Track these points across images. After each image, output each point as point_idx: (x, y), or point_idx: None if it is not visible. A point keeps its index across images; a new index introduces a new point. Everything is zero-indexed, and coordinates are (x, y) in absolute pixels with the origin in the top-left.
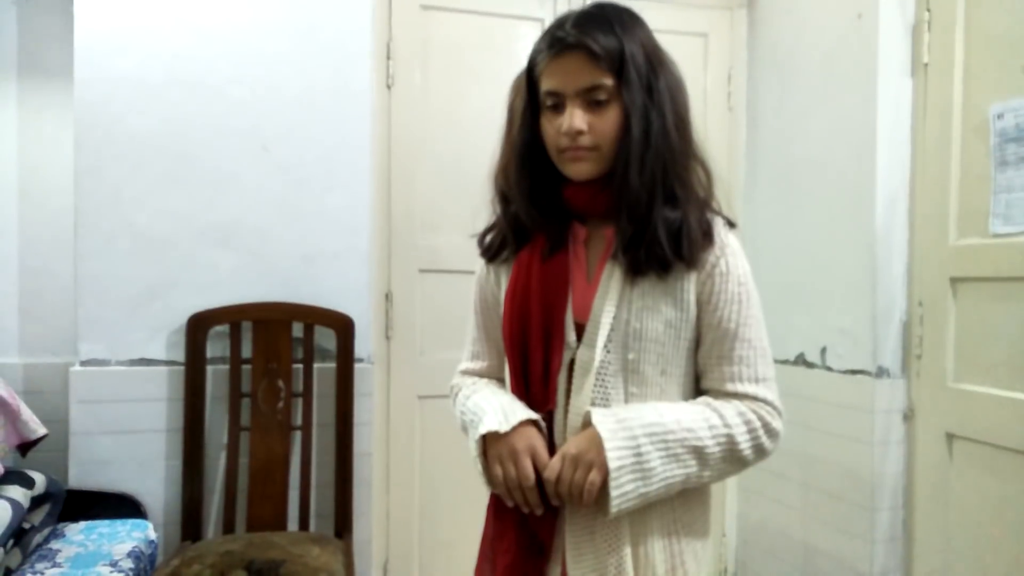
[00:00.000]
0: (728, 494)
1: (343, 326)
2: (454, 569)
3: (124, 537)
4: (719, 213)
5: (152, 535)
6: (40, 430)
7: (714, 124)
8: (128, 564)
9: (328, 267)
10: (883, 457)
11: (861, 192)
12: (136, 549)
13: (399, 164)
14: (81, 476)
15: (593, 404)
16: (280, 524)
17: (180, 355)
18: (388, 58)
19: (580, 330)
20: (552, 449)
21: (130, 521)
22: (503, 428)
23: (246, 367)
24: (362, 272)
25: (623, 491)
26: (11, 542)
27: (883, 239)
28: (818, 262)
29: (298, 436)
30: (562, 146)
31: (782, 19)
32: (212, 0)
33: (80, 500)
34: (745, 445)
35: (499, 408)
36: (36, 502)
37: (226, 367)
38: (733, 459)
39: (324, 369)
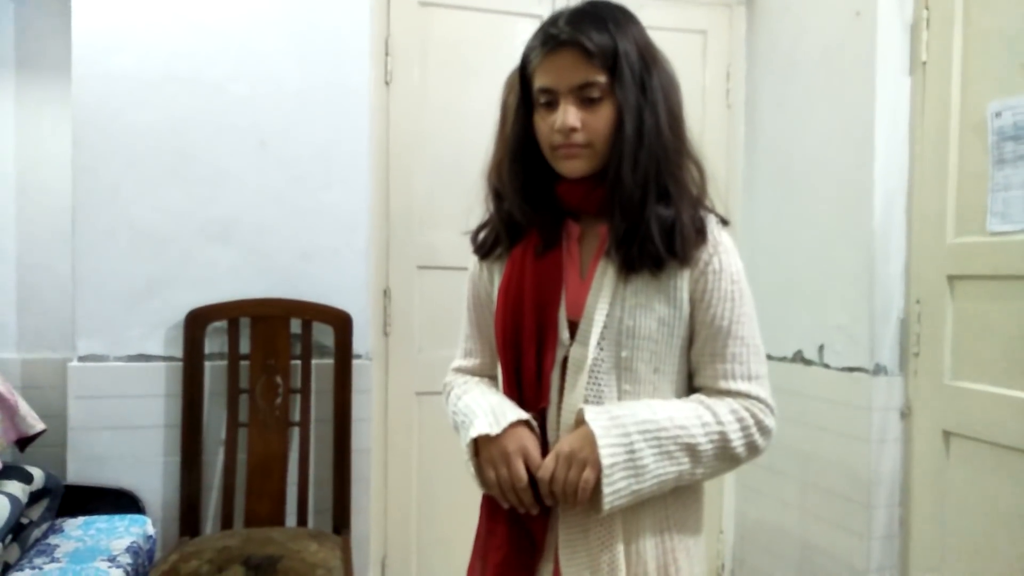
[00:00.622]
0: (725, 491)
1: (341, 322)
2: (452, 565)
3: (122, 532)
4: (712, 211)
5: (150, 530)
6: (38, 425)
7: (713, 122)
8: (126, 559)
9: (326, 263)
10: (880, 454)
11: (859, 190)
12: (134, 544)
13: (397, 161)
14: (79, 471)
15: (586, 402)
16: (278, 520)
17: (178, 351)
18: (386, 54)
19: (573, 328)
20: (545, 447)
21: (128, 516)
22: (494, 431)
23: (244, 363)
24: (360, 269)
25: (616, 488)
26: (9, 537)
27: (881, 237)
28: (816, 259)
29: (296, 432)
30: (555, 143)
31: (781, 17)
32: None
33: (78, 495)
34: (738, 443)
35: (489, 410)
36: (34, 497)
37: (224, 363)
38: (726, 456)
39: (322, 365)
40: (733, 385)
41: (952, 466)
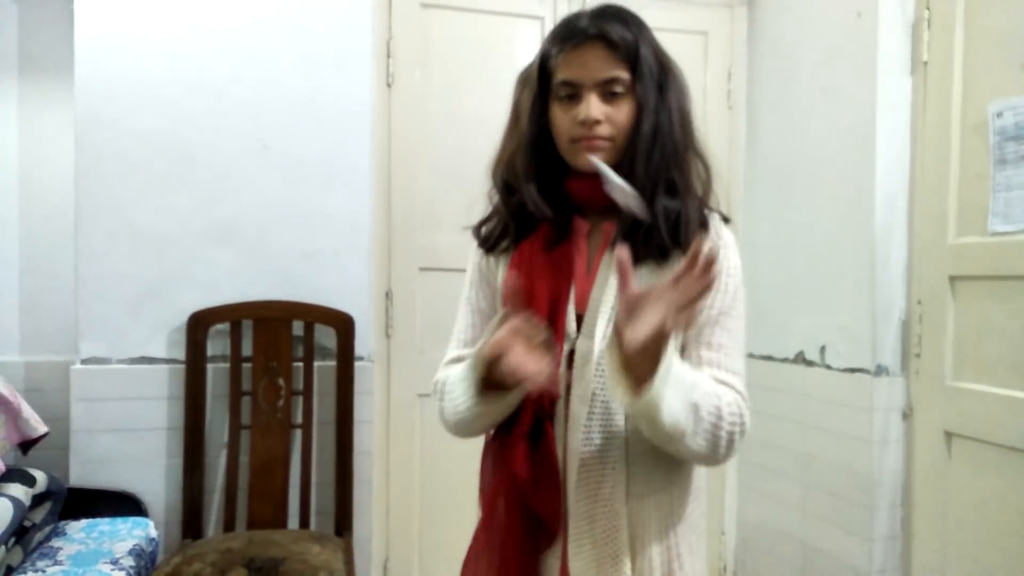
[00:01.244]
0: (727, 492)
1: (343, 324)
2: (454, 567)
3: (125, 535)
4: (715, 209)
5: (153, 533)
6: (41, 428)
7: (714, 122)
8: (129, 562)
9: (328, 265)
10: (882, 455)
11: (860, 190)
12: (137, 547)
13: (399, 162)
14: (82, 474)
15: (593, 394)
16: (280, 522)
17: (181, 353)
18: (388, 57)
19: (579, 321)
20: (553, 443)
21: (131, 519)
22: (481, 353)
23: (246, 365)
24: (362, 270)
25: (662, 386)
26: (12, 540)
27: (882, 237)
28: (817, 260)
29: (298, 434)
30: (576, 135)
31: (782, 17)
32: None
33: (81, 498)
34: (726, 430)
35: (466, 362)
36: (37, 500)
37: (227, 365)
38: (713, 438)
39: (324, 367)
40: (718, 375)
41: (954, 467)
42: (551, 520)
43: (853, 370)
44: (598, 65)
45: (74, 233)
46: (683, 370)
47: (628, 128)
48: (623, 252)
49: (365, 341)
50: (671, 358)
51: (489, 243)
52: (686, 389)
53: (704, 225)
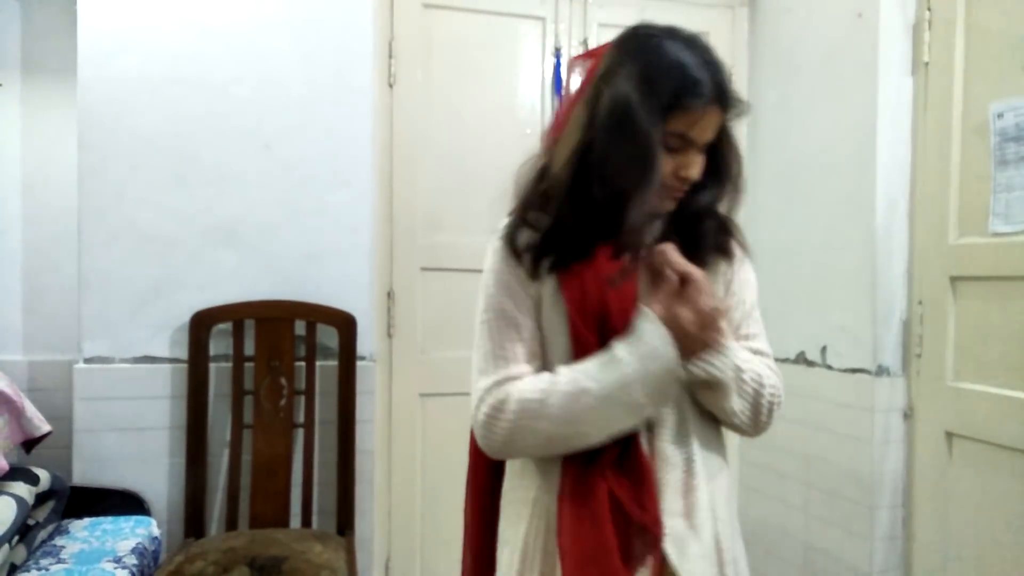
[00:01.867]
0: None
1: (345, 324)
2: (456, 566)
3: (128, 534)
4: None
5: (156, 532)
6: (44, 427)
7: None
8: (132, 560)
9: (330, 265)
10: (883, 455)
11: (861, 191)
12: (140, 545)
13: (401, 162)
14: (85, 473)
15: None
16: (283, 521)
17: (183, 353)
18: (390, 56)
19: None
20: (640, 455)
21: (134, 518)
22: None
23: (249, 365)
24: (364, 270)
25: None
26: (16, 538)
27: (883, 238)
28: (818, 261)
29: (300, 434)
30: (670, 184)
31: (783, 18)
32: None
33: (84, 497)
34: (767, 399)
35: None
36: (40, 499)
37: (229, 365)
38: (755, 404)
39: (326, 367)
40: (756, 355)
41: (955, 467)
42: (653, 526)
43: (854, 370)
44: (713, 129)
45: (77, 233)
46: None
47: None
48: (667, 249)
49: (367, 341)
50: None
51: (536, 257)
52: (731, 353)
53: (733, 232)
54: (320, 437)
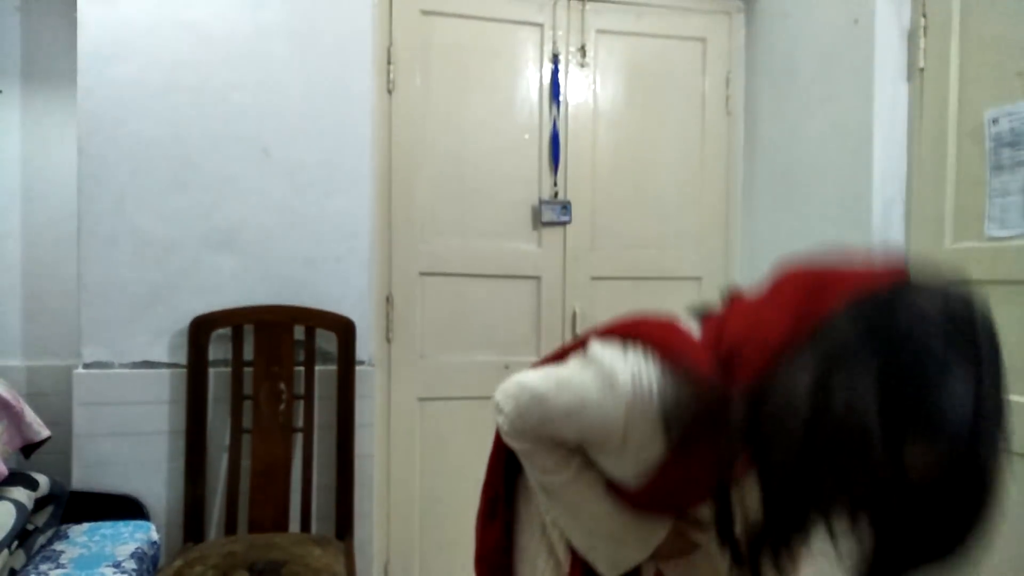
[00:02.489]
0: None
1: (344, 329)
2: (455, 570)
3: (127, 538)
4: None
5: (155, 536)
6: (43, 432)
7: (712, 128)
8: (131, 565)
9: (329, 270)
10: None
11: (858, 196)
12: (139, 550)
13: (400, 168)
14: (84, 478)
15: None
16: (282, 525)
17: (182, 358)
18: (389, 63)
19: None
20: None
21: (133, 522)
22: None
23: (248, 370)
24: (363, 275)
25: None
26: (15, 543)
27: (879, 242)
28: None
29: (299, 438)
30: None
31: (780, 24)
32: (214, 6)
33: (83, 502)
34: None
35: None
36: (40, 504)
37: (228, 370)
38: None
39: (325, 372)
40: None
41: None
42: None
43: None
44: None
45: (77, 238)
46: None
47: None
48: None
49: (366, 345)
50: None
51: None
52: None
53: None
54: (319, 441)
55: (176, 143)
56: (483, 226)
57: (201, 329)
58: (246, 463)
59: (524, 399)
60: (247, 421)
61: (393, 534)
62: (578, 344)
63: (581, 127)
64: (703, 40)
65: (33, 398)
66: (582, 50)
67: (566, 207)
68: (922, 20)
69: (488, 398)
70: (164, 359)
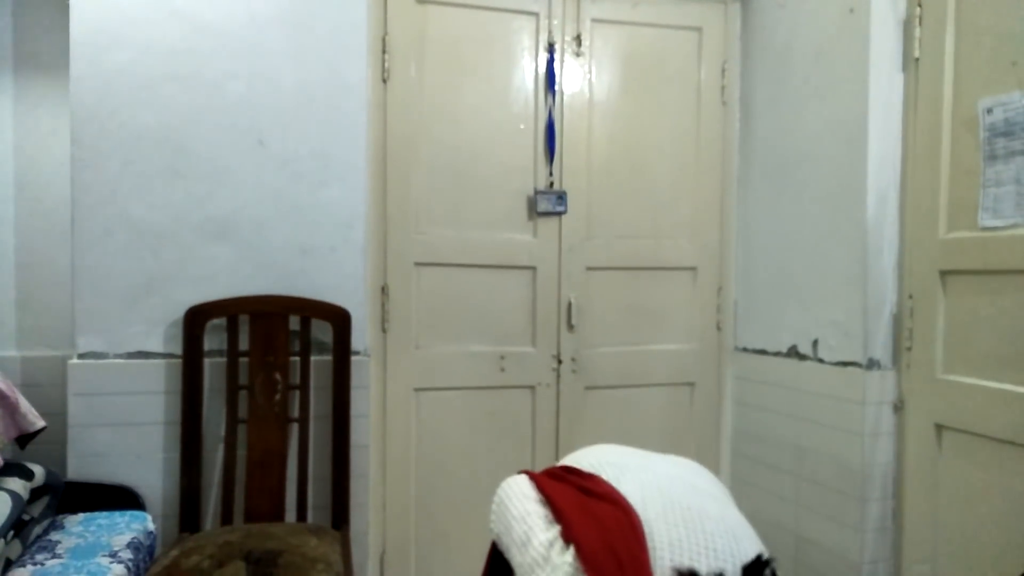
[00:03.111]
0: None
1: (340, 319)
2: (450, 559)
3: (123, 528)
4: None
5: (151, 526)
6: (39, 422)
7: (708, 118)
8: (127, 555)
9: (324, 260)
10: (873, 448)
11: (853, 185)
12: (135, 540)
13: (395, 158)
14: (80, 468)
15: None
16: (278, 515)
17: (177, 348)
18: (384, 52)
19: None
20: None
21: (129, 513)
22: None
23: (243, 360)
24: (358, 265)
25: None
26: (11, 533)
27: (874, 232)
28: (810, 255)
29: (295, 428)
30: None
31: (775, 13)
32: None
33: (79, 492)
34: None
35: None
36: (35, 494)
37: (223, 360)
38: None
39: (321, 362)
40: None
41: (944, 459)
42: None
43: (845, 364)
44: None
45: (70, 228)
46: None
47: None
48: None
49: (361, 335)
50: None
51: None
52: None
53: None
54: (315, 432)
55: (170, 132)
56: (478, 216)
57: (196, 319)
58: (242, 453)
59: (496, 512)
60: (243, 411)
61: (389, 524)
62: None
63: (577, 117)
64: (699, 29)
65: (28, 388)
66: (578, 39)
67: (561, 197)
68: (917, 10)
69: (484, 388)
70: (159, 349)
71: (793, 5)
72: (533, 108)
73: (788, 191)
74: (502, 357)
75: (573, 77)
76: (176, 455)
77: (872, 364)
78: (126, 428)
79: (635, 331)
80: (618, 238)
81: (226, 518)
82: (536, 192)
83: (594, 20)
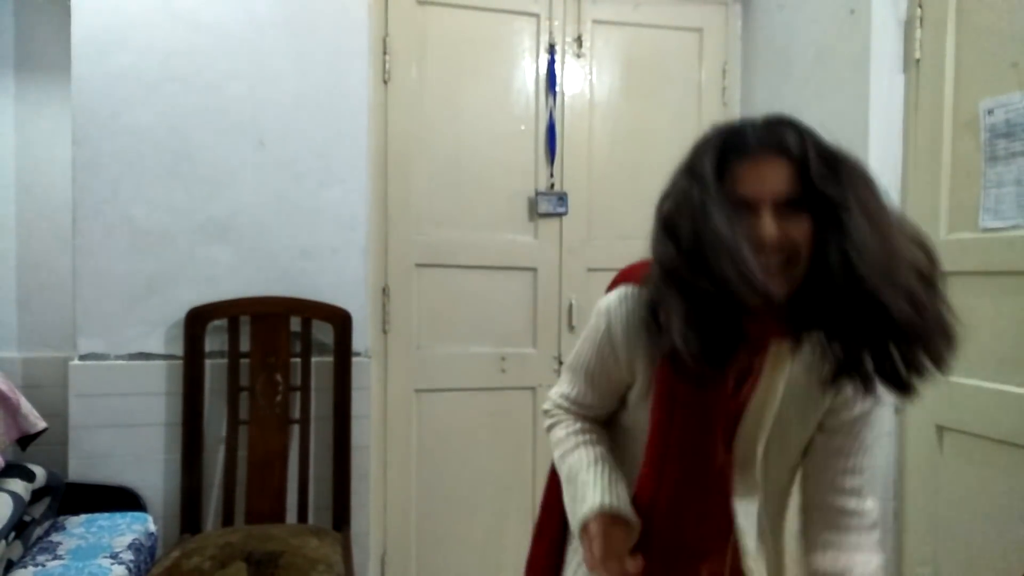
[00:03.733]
0: None
1: (340, 320)
2: (451, 560)
3: (124, 530)
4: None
5: (152, 528)
6: (40, 424)
7: (708, 119)
8: (128, 556)
9: (325, 262)
10: (874, 449)
11: None
12: (136, 541)
13: (396, 159)
14: (81, 469)
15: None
16: (279, 516)
17: (179, 349)
18: (385, 53)
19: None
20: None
21: (130, 514)
22: (591, 512)
23: (244, 361)
24: (359, 266)
25: None
26: (12, 535)
27: None
28: None
29: (296, 429)
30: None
31: (776, 14)
32: None
33: (80, 493)
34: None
35: (604, 488)
36: (37, 495)
37: (224, 361)
38: None
39: (322, 363)
40: (860, 506)
41: (945, 460)
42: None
43: None
44: (774, 179)
45: (72, 229)
46: None
47: (808, 246)
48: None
49: (362, 337)
50: None
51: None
52: None
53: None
54: (316, 433)
55: (171, 134)
56: (479, 217)
57: (197, 320)
58: (243, 454)
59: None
60: (244, 412)
61: (390, 525)
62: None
63: (577, 118)
64: (699, 31)
65: (29, 390)
66: (578, 40)
67: (562, 198)
68: (918, 11)
69: (484, 389)
70: (160, 351)
71: (794, 6)
72: (534, 109)
73: None
74: (503, 358)
75: (574, 78)
76: (177, 456)
77: None
78: (127, 429)
79: None
80: (619, 239)
81: (227, 519)
82: (537, 193)
83: (595, 21)
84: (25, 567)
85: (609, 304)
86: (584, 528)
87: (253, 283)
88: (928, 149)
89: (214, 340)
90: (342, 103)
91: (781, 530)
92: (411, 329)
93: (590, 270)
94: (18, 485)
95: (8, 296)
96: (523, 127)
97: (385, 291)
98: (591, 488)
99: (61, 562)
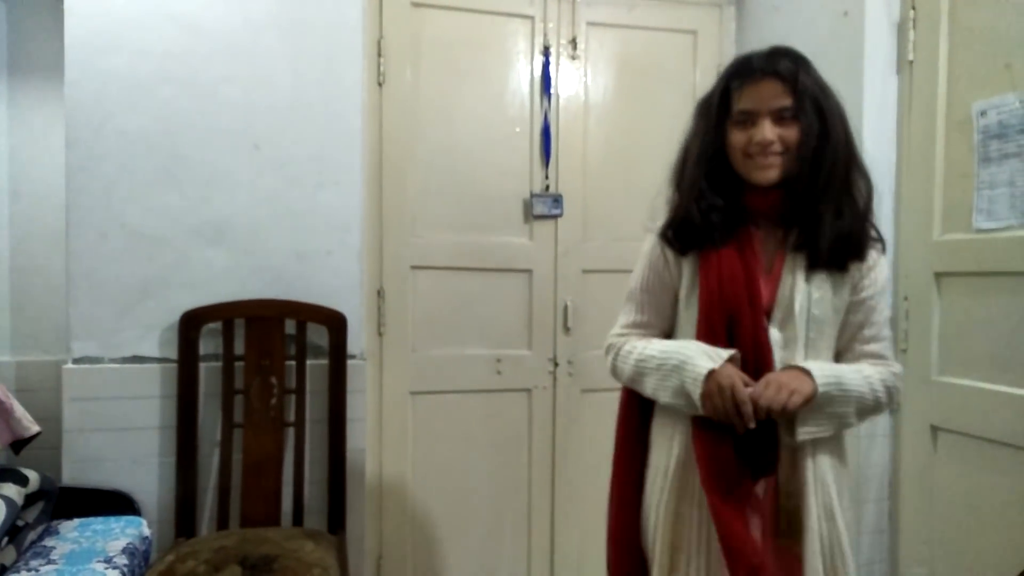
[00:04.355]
0: None
1: (336, 323)
2: (447, 563)
3: (118, 534)
4: (873, 226)
5: (146, 531)
6: (33, 428)
7: None
8: (123, 560)
9: (320, 264)
10: (869, 450)
11: None
12: (130, 546)
13: (391, 161)
14: (75, 473)
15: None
16: (274, 520)
17: (173, 352)
18: (379, 56)
19: (768, 314)
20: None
21: (124, 518)
22: (716, 364)
23: (239, 364)
24: (354, 269)
25: (813, 418)
26: (6, 539)
27: None
28: None
29: (291, 432)
30: (752, 152)
31: (770, 16)
32: None
33: (74, 497)
34: (884, 397)
35: (702, 352)
36: (30, 499)
37: (219, 364)
38: (877, 409)
39: (317, 366)
40: (877, 362)
41: (939, 460)
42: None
43: None
44: (771, 96)
45: (65, 233)
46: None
47: (796, 145)
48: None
49: (357, 339)
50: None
51: (677, 246)
52: (835, 404)
53: (864, 242)
54: (311, 436)
55: (165, 136)
56: (474, 219)
57: (191, 323)
58: (237, 458)
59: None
60: (238, 416)
61: (385, 528)
62: None
63: (572, 120)
64: (694, 33)
65: (22, 394)
66: (573, 42)
67: (557, 200)
68: (911, 13)
69: (480, 391)
70: (154, 354)
71: (787, 8)
72: (529, 111)
73: None
74: (498, 360)
75: (568, 80)
76: (171, 460)
77: None
78: (121, 433)
79: None
80: (614, 240)
81: (222, 523)
82: (532, 195)
83: (589, 23)
84: (18, 572)
85: (655, 226)
86: (709, 377)
87: (248, 286)
88: (921, 150)
89: (209, 343)
90: (337, 105)
91: None
92: (406, 331)
93: (585, 272)
94: (11, 489)
95: (1, 299)
96: (518, 129)
97: (380, 293)
98: (696, 354)
99: (55, 567)
